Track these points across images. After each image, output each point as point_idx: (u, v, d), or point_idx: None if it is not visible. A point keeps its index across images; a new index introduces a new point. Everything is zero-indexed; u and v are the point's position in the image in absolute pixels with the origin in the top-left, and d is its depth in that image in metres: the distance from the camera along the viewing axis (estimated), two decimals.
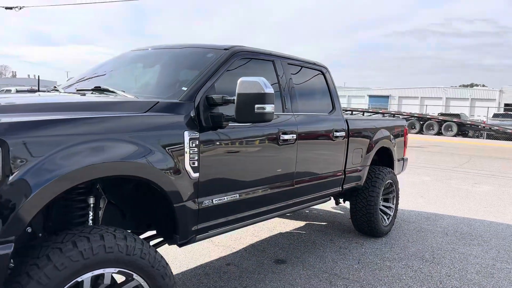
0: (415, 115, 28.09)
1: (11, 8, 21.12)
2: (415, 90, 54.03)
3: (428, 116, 27.84)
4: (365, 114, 27.07)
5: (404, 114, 28.29)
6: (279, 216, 3.81)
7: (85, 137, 2.06)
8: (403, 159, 5.97)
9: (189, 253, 4.29)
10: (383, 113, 27.51)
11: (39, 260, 1.91)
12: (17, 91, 18.81)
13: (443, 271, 4.11)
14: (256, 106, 2.63)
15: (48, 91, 3.40)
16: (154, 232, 2.94)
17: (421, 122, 27.18)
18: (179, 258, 4.15)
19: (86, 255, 1.96)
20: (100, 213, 2.54)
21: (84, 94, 2.87)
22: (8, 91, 19.53)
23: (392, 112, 28.73)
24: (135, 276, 2.16)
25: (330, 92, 4.39)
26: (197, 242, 4.41)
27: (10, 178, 1.80)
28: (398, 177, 5.60)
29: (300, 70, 4.00)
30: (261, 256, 4.33)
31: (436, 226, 5.72)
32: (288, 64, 3.80)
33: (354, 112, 27.77)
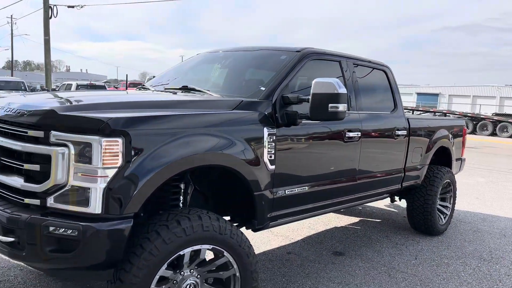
0: (468, 114, 27.03)
1: (73, 6, 22.43)
2: (466, 88, 51.72)
3: (481, 116, 26.71)
4: (415, 112, 26.40)
5: (456, 113, 27.30)
6: (341, 209, 4.02)
7: (189, 130, 2.38)
8: (460, 159, 5.96)
9: (251, 240, 4.56)
10: (434, 112, 26.69)
11: (149, 234, 2.24)
12: (78, 86, 20.00)
13: (502, 271, 4.15)
14: (330, 105, 2.84)
15: (139, 89, 3.78)
16: (228, 218, 3.24)
17: (474, 122, 26.13)
18: None
19: (188, 232, 2.28)
20: (188, 198, 2.86)
21: (175, 93, 3.21)
22: (69, 85, 20.83)
23: (443, 111, 27.77)
24: (225, 253, 2.46)
25: (393, 91, 4.51)
26: (258, 232, 4.72)
27: (131, 164, 2.13)
28: None
29: (364, 70, 4.16)
30: (319, 247, 4.55)
31: (493, 227, 5.68)
32: (353, 64, 3.97)
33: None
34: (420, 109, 28.40)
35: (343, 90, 2.86)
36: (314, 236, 4.95)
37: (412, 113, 25.37)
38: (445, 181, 5.19)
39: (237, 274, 2.53)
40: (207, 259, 2.52)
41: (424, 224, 5.04)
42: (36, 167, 2.18)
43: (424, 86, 58.02)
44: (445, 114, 25.77)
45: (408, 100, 49.17)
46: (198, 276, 2.45)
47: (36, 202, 2.17)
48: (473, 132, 25.80)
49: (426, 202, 4.94)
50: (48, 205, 2.14)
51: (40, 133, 2.17)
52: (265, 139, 2.84)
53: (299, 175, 3.20)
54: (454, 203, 5.50)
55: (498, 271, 4.14)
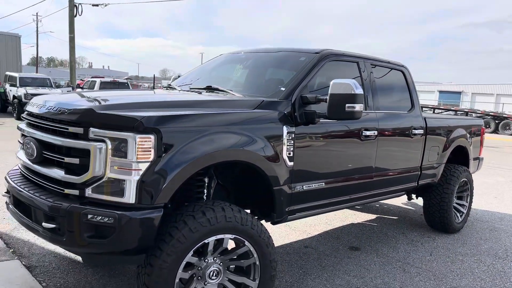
0: (491, 113, 26.53)
1: (97, 5, 22.97)
2: (490, 87, 50.50)
3: (504, 115, 26.17)
4: (436, 111, 26.08)
5: (478, 112, 26.83)
6: (357, 205, 4.14)
7: (214, 128, 2.57)
8: (478, 158, 5.99)
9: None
10: (455, 111, 26.30)
11: (177, 224, 2.44)
12: (101, 83, 20.49)
13: None
14: (347, 105, 2.99)
15: (166, 88, 3.99)
16: (248, 211, 3.41)
17: (497, 121, 25.64)
18: None
19: (212, 222, 2.46)
20: (211, 191, 3.05)
21: (200, 93, 3.40)
22: (93, 82, 21.35)
23: (465, 110, 27.31)
24: (246, 243, 2.64)
25: (410, 91, 4.61)
26: (276, 226, 4.88)
27: (162, 159, 2.33)
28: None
29: (381, 70, 4.27)
30: (336, 242, 4.69)
31: (510, 226, 5.71)
32: (371, 65, 4.09)
33: (423, 109, 26.84)
34: (441, 107, 28.00)
35: (359, 91, 3.00)
36: (331, 231, 5.09)
37: (433, 112, 25.12)
38: (462, 179, 5.24)
39: (257, 262, 2.71)
40: (229, 248, 2.70)
41: (440, 222, 5.12)
42: (75, 161, 2.40)
43: (447, 84, 56.95)
44: (466, 113, 25.37)
45: (430, 99, 48.39)
46: (221, 263, 2.64)
47: (75, 192, 2.39)
48: (495, 131, 25.33)
49: (442, 200, 5.01)
50: (86, 195, 2.36)
51: (80, 130, 2.39)
52: (284, 136, 3.00)
53: (317, 171, 3.35)
54: (471, 202, 5.55)
55: None
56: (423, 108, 26.83)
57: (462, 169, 5.24)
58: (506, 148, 16.97)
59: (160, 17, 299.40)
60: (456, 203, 5.38)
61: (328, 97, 3.04)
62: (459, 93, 51.94)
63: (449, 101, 44.76)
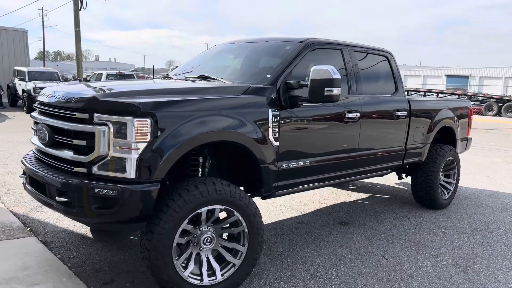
0: (493, 96, 26.52)
1: None
2: (498, 70, 49.99)
3: (507, 98, 26.14)
4: (440, 95, 26.14)
5: (481, 95, 26.84)
6: (343, 182, 4.46)
7: (203, 112, 2.90)
8: (466, 138, 6.25)
9: (266, 212, 5.11)
10: (458, 95, 26.32)
11: (173, 196, 2.79)
12: (108, 75, 20.87)
13: (495, 239, 4.52)
14: (326, 89, 3.29)
15: (164, 78, 4.32)
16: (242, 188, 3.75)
17: (500, 104, 25.65)
18: None
19: (204, 194, 2.81)
20: (206, 170, 3.39)
21: (194, 81, 3.73)
22: (100, 74, 21.77)
23: (468, 94, 27.32)
24: (235, 213, 2.99)
25: (394, 76, 4.89)
26: (273, 206, 5.22)
27: (157, 139, 2.67)
28: (467, 158, 5.92)
29: (365, 56, 4.55)
30: (327, 218, 5.03)
31: (497, 202, 6.00)
32: (355, 51, 4.37)
33: (427, 93, 26.91)
34: (444, 91, 28.02)
35: (337, 76, 3.30)
36: (323, 209, 5.43)
37: (437, 96, 25.18)
38: (448, 158, 5.53)
39: (246, 230, 3.06)
40: (221, 218, 3.05)
41: (427, 198, 5.42)
42: (83, 142, 2.75)
43: (454, 68, 56.46)
44: (470, 97, 25.42)
45: (437, 83, 48.05)
46: (214, 231, 2.99)
47: (84, 170, 2.75)
48: (498, 113, 25.35)
49: (428, 178, 5.31)
50: (93, 172, 2.71)
51: (85, 115, 2.73)
52: (269, 119, 3.32)
53: (301, 151, 3.66)
54: (458, 180, 5.84)
55: (491, 239, 4.52)
56: (427, 93, 26.96)
57: (447, 149, 5.53)
58: (507, 130, 17.11)
59: (164, 8, 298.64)
60: (443, 181, 5.68)
61: (309, 82, 3.34)
62: (467, 77, 51.48)
63: (456, 86, 44.51)
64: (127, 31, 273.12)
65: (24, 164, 3.27)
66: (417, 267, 3.75)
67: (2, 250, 3.63)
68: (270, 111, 3.33)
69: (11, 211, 4.67)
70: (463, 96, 26.10)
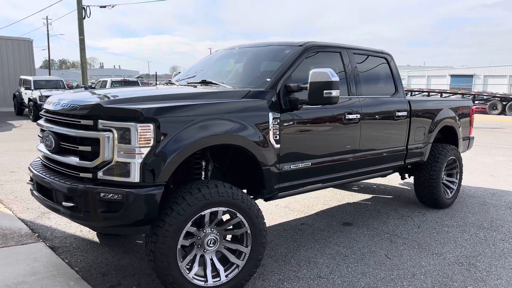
0: (497, 95, 26.42)
1: (104, 6, 23.49)
2: (502, 68, 49.74)
3: (511, 97, 26.03)
4: (443, 95, 26.09)
5: (485, 94, 26.75)
6: (345, 183, 4.51)
7: (204, 117, 2.96)
8: (468, 137, 6.28)
9: (270, 214, 5.16)
10: (462, 94, 26.25)
11: (177, 199, 2.85)
12: (112, 82, 21.05)
13: (498, 237, 4.54)
14: (325, 91, 3.35)
15: (166, 84, 4.41)
16: (245, 191, 3.81)
17: (504, 103, 25.54)
18: None
19: (207, 197, 2.87)
20: (209, 173, 3.46)
21: (195, 86, 3.80)
22: (105, 82, 21.96)
23: (471, 93, 27.23)
24: (238, 214, 3.04)
25: (393, 77, 4.93)
26: (276, 208, 5.27)
27: (160, 144, 2.74)
28: (471, 157, 5.93)
29: (365, 58, 4.61)
30: (330, 219, 5.07)
31: (500, 201, 6.01)
32: (354, 53, 4.43)
33: (431, 94, 26.87)
34: (448, 91, 27.97)
35: (335, 78, 3.36)
36: (327, 210, 5.47)
37: (441, 96, 25.14)
38: (450, 157, 5.56)
39: (249, 231, 3.11)
40: (224, 220, 3.11)
41: (429, 198, 5.45)
42: (88, 148, 2.82)
43: (458, 68, 56.26)
44: (474, 96, 25.34)
45: (442, 83, 47.89)
46: (217, 233, 3.05)
47: (89, 175, 2.82)
48: (503, 112, 25.24)
49: (431, 177, 5.34)
50: (98, 177, 2.78)
51: (90, 122, 2.80)
52: (270, 122, 3.38)
53: (302, 152, 3.72)
54: (460, 179, 5.86)
55: (494, 237, 4.54)
56: (430, 94, 26.92)
57: (449, 148, 5.55)
58: (510, 129, 17.03)
59: (166, 14, 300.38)
60: (446, 180, 5.71)
61: (308, 85, 3.40)
62: (471, 76, 51.28)
63: (461, 85, 44.34)
64: (130, 38, 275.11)
65: (31, 171, 3.35)
66: (420, 265, 3.78)
67: (11, 256, 3.71)
68: (270, 114, 3.39)
69: (19, 218, 4.76)
70: (467, 95, 26.03)
